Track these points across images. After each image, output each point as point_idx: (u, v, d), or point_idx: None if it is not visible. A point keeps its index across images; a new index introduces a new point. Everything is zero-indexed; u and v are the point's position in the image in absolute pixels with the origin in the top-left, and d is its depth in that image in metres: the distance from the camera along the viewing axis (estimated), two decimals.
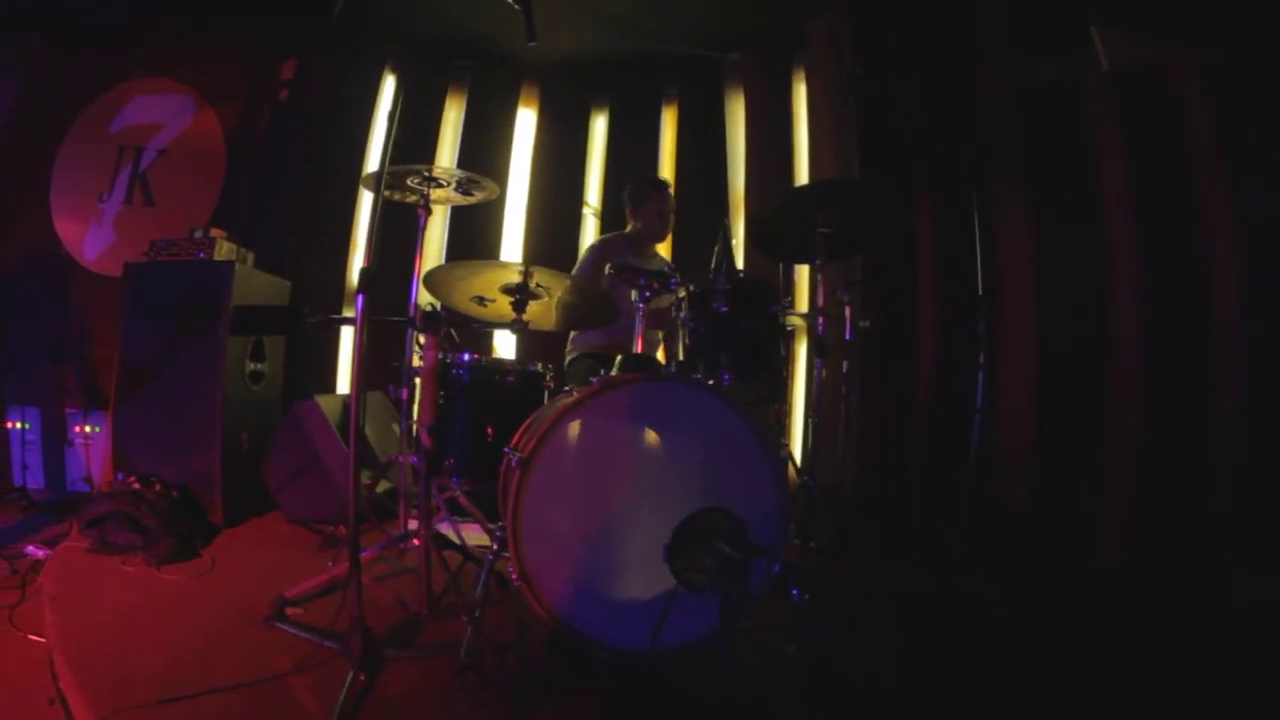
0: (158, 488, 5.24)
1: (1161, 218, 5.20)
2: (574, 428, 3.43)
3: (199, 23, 7.78)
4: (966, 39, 6.06)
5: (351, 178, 8.02)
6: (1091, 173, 5.53)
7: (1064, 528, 5.30)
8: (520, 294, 4.18)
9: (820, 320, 4.73)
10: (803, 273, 6.97)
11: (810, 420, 4.99)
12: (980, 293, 5.64)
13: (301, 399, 6.10)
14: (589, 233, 8.27)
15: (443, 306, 4.32)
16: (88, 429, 7.12)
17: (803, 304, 6.83)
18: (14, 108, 7.89)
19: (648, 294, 4.26)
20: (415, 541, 4.23)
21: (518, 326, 4.31)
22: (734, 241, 7.01)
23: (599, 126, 8.45)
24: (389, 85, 8.25)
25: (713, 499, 3.35)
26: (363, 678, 2.97)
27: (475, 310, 4.49)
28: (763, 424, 3.86)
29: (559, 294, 4.35)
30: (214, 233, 6.06)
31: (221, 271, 5.78)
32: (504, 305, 4.31)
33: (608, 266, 4.58)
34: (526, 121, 8.41)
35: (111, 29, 7.92)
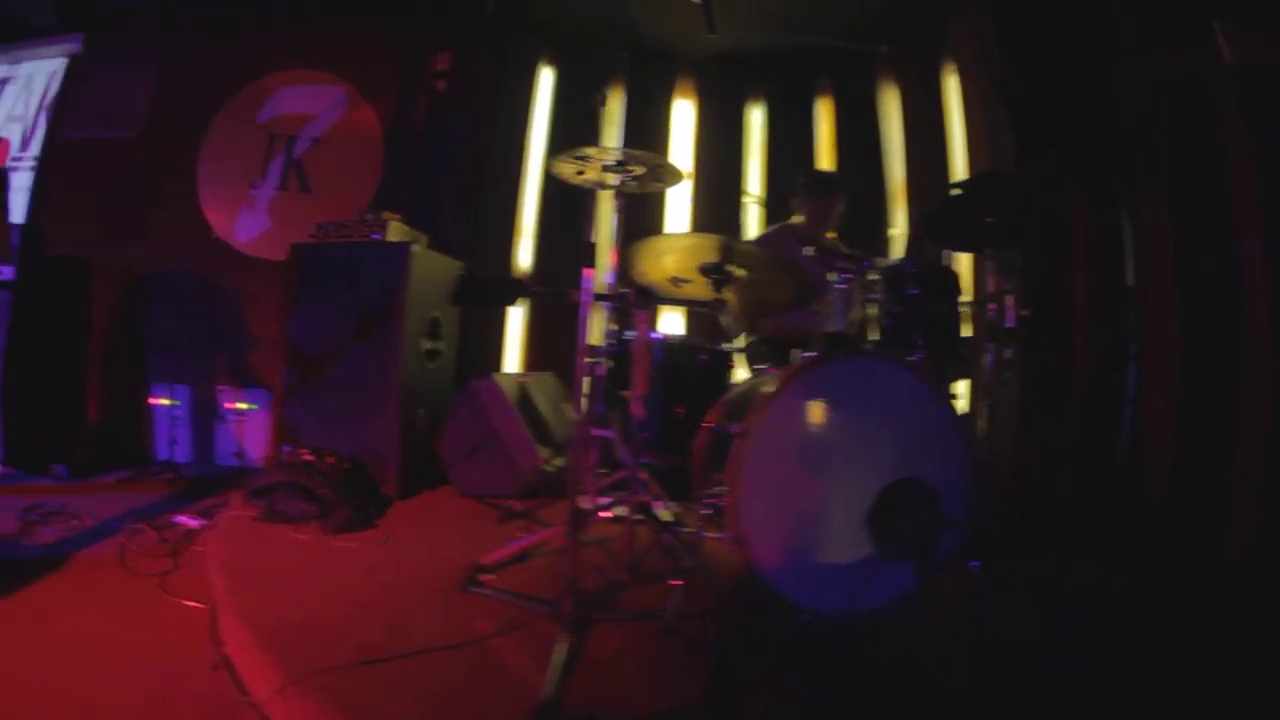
0: (330, 459, 5.37)
1: None
2: (789, 401, 3.55)
3: (346, 16, 8.03)
4: (1105, 31, 6.02)
5: (512, 166, 8.20)
6: (1225, 167, 5.44)
7: (1204, 517, 5.36)
8: (718, 274, 4.25)
9: (991, 307, 4.77)
10: (960, 263, 6.87)
11: (984, 405, 5.11)
12: (1129, 284, 5.73)
13: (478, 376, 6.23)
14: (752, 222, 8.27)
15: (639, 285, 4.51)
16: (240, 406, 7.42)
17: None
18: (153, 97, 8.21)
19: (847, 276, 4.29)
20: (603, 513, 4.47)
21: (717, 307, 4.40)
22: (894, 231, 7.12)
23: (755, 118, 8.48)
24: (545, 77, 8.43)
25: (909, 470, 3.51)
26: (572, 639, 3.05)
27: (673, 290, 4.59)
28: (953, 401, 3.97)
29: (755, 272, 4.38)
30: (385, 215, 6.21)
31: (398, 252, 5.94)
32: (700, 286, 4.40)
33: (805, 249, 4.67)
34: (684, 112, 8.53)
35: (252, 22, 8.21)
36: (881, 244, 6.65)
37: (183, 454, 7.55)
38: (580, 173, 4.12)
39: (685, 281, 4.48)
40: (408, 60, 8.13)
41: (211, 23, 8.29)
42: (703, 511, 4.07)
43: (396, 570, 4.27)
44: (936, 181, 7.19)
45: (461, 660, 3.10)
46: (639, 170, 4.05)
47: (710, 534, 4.08)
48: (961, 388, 6.57)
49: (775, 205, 7.76)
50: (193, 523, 5.40)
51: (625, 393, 4.37)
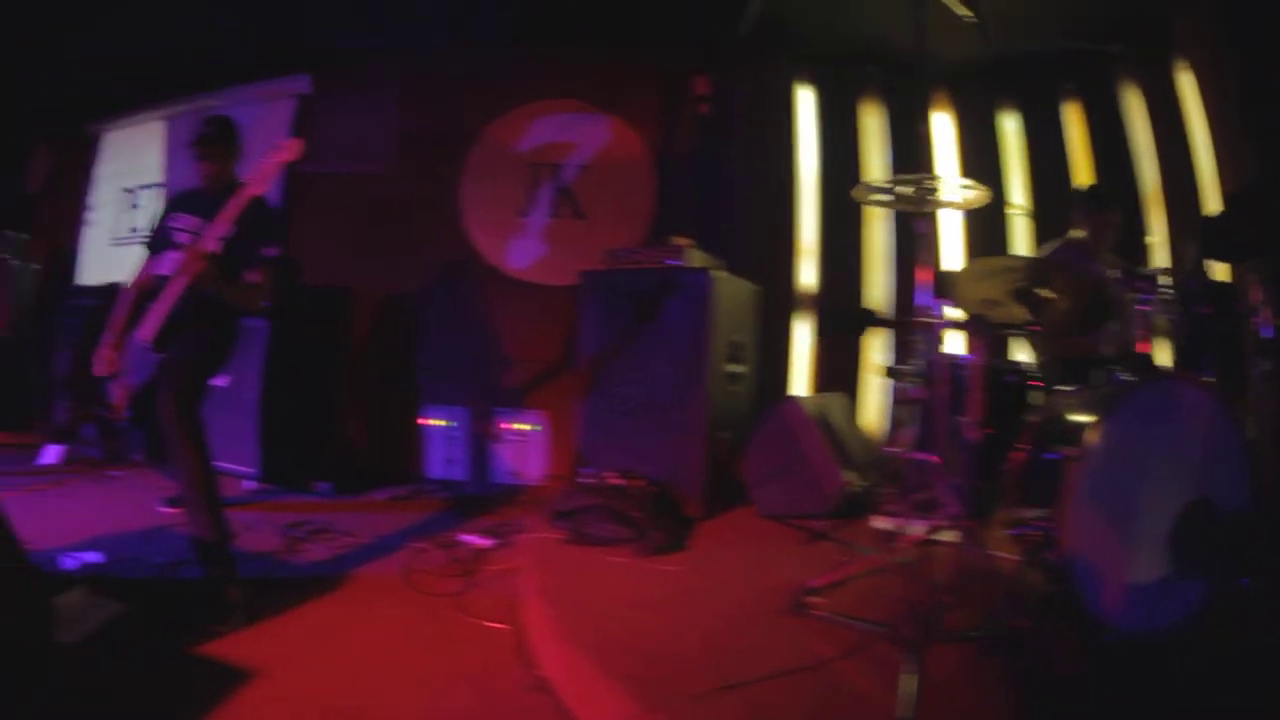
0: (638, 482, 5.71)
1: None
2: (1116, 424, 3.82)
3: (597, 45, 8.65)
4: None
5: (785, 187, 8.56)
6: None
7: None
8: (1031, 299, 4.51)
9: (1256, 320, 4.87)
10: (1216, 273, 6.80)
11: (1250, 420, 5.00)
12: None
13: (774, 398, 6.71)
14: (1018, 234, 8.40)
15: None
16: (518, 426, 8.10)
17: None
18: (399, 132, 9.10)
19: (1148, 295, 4.45)
20: (920, 535, 4.58)
21: (1031, 331, 4.87)
22: (1151, 239, 7.35)
23: (1010, 127, 8.66)
24: (803, 96, 8.72)
25: (1203, 490, 3.86)
26: (917, 663, 3.14)
27: (988, 313, 4.79)
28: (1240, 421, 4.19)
29: (1064, 293, 4.55)
30: (679, 241, 6.60)
31: (699, 278, 6.30)
32: (1010, 309, 4.63)
33: (1110, 271, 5.00)
34: (942, 125, 8.64)
35: (495, 57, 8.97)
36: (1140, 252, 6.79)
37: (457, 473, 8.24)
38: (892, 196, 4.54)
39: (996, 304, 4.72)
40: (666, 85, 8.79)
41: (452, 60, 9.08)
42: (1013, 533, 4.22)
43: (721, 593, 4.47)
44: (1187, 186, 7.28)
45: (811, 684, 3.25)
46: (940, 191, 4.41)
47: (1019, 556, 4.16)
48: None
49: (1040, 216, 8.06)
50: (481, 542, 5.88)
51: (960, 418, 4.56)
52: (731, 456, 6.44)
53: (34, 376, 10.82)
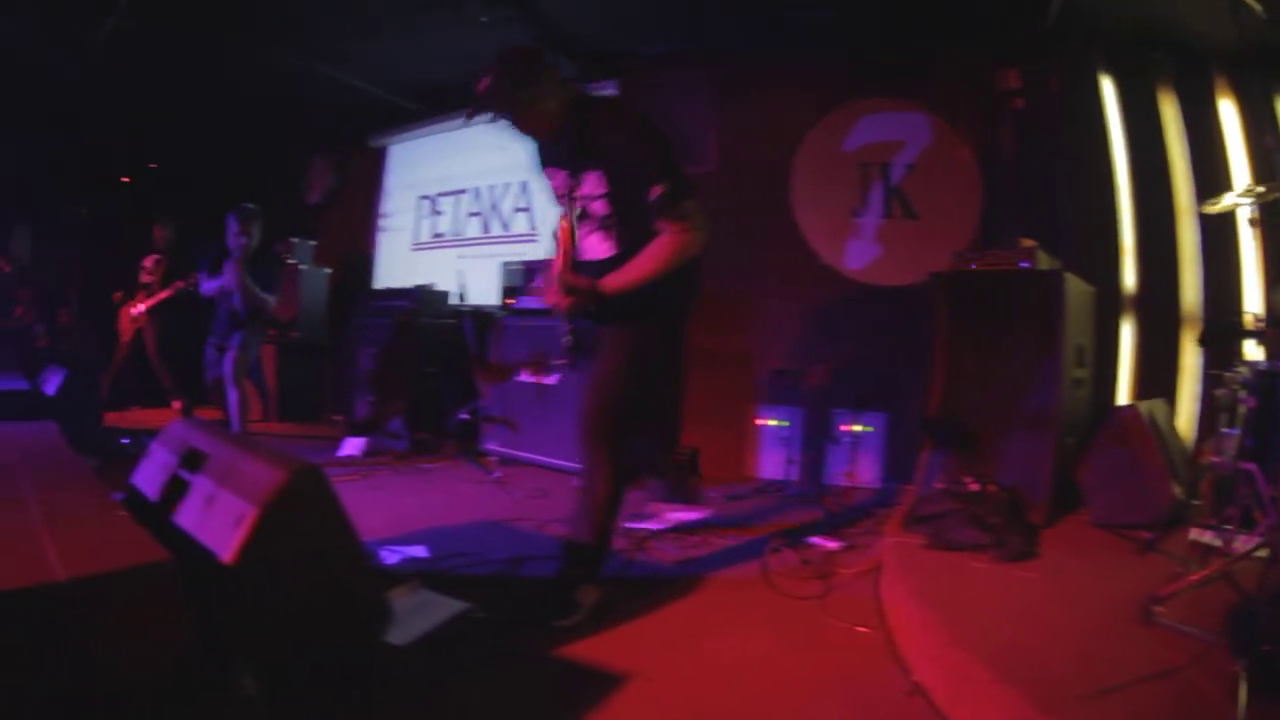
0: (992, 488, 5.81)
1: None
2: None
3: (909, 42, 9.03)
4: None
5: (1104, 182, 8.57)
6: None
7: None
8: None
9: None
10: None
11: None
12: None
13: (1119, 405, 7.05)
14: None
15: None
16: (855, 428, 8.55)
17: None
18: (716, 128, 9.81)
19: None
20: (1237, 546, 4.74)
21: None
22: None
23: None
24: (1106, 86, 8.69)
25: None
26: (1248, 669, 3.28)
27: None
28: None
29: None
30: (1025, 243, 6.58)
31: (1051, 280, 6.33)
32: None
33: None
34: (1229, 114, 8.32)
35: (809, 57, 9.55)
36: None
37: (792, 473, 8.83)
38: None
39: None
40: (975, 79, 9.03)
41: (765, 61, 9.74)
42: None
43: (1077, 601, 4.61)
44: None
45: (1169, 690, 3.43)
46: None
47: None
48: None
49: None
50: (830, 544, 6.12)
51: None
52: (1071, 462, 6.43)
53: (324, 373, 12.38)
